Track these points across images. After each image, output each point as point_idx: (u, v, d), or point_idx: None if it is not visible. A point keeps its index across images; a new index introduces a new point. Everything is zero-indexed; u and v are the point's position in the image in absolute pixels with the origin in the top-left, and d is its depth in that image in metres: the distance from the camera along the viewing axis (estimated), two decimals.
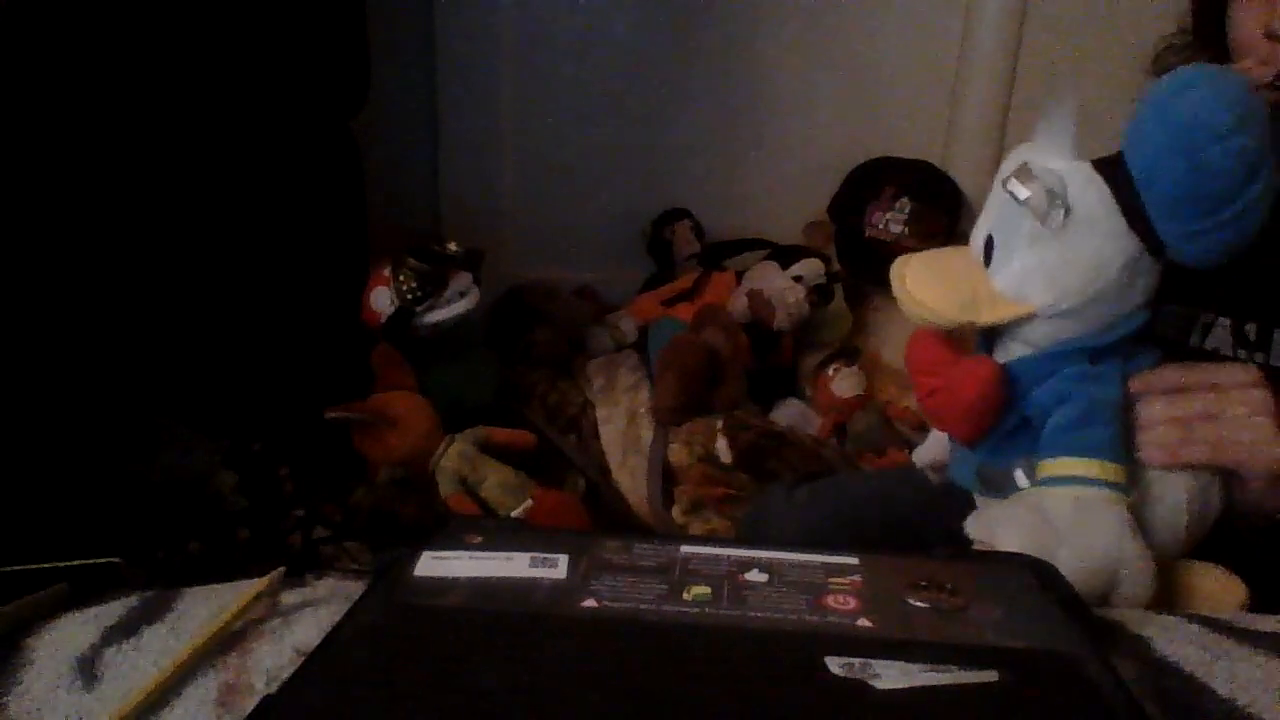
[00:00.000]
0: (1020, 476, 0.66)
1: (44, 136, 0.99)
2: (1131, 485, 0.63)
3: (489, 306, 1.71)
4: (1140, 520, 0.62)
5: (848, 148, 1.93)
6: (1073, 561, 0.59)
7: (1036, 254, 0.62)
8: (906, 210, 1.81)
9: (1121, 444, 0.63)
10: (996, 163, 0.66)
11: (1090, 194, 0.61)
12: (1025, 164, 0.62)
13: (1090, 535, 0.60)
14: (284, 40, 1.19)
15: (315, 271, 1.31)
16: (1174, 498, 0.64)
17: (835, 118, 1.95)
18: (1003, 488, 0.67)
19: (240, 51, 1.14)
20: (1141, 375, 0.65)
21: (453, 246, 1.48)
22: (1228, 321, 0.81)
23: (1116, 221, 0.61)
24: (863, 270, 1.83)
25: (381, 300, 1.43)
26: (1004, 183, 0.62)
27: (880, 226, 1.82)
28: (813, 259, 1.79)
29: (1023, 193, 0.60)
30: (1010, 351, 0.66)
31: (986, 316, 0.64)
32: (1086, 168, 0.62)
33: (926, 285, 0.65)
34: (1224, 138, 0.56)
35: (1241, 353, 0.80)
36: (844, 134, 1.95)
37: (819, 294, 1.75)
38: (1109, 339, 0.64)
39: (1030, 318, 0.63)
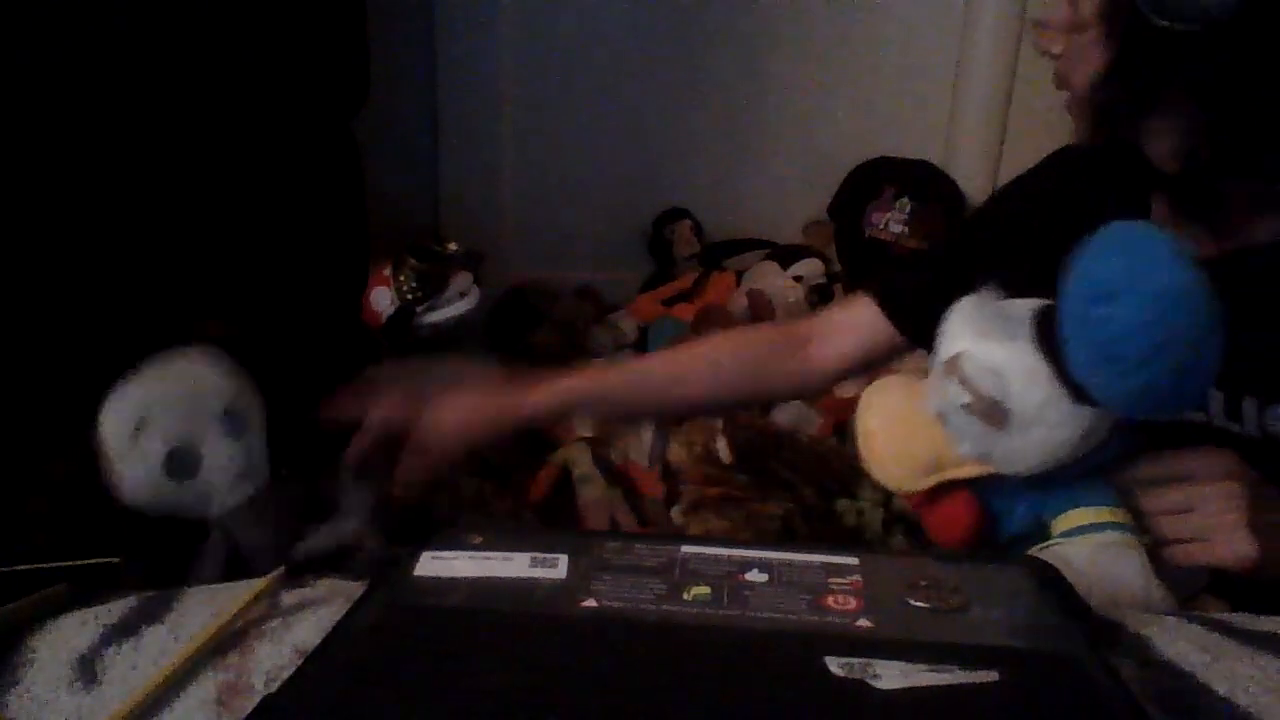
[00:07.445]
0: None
1: (43, 136, 0.99)
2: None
3: (489, 306, 1.71)
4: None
5: (848, 148, 1.93)
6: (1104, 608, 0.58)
7: (988, 444, 0.60)
8: (906, 210, 1.81)
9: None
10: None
11: (1033, 393, 0.57)
12: (960, 357, 0.58)
13: (1116, 580, 0.60)
14: (284, 40, 1.19)
15: (315, 272, 1.30)
16: (1193, 573, 0.64)
17: (835, 118, 1.95)
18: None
19: (240, 51, 1.14)
20: (1119, 473, 0.63)
21: (453, 246, 1.49)
22: None
23: (1064, 407, 0.57)
24: (863, 270, 1.83)
25: (381, 300, 1.43)
26: (943, 377, 0.59)
27: (880, 226, 1.82)
28: (813, 259, 1.80)
29: (962, 398, 0.58)
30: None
31: (954, 474, 0.64)
32: (1028, 354, 0.57)
33: (890, 455, 0.65)
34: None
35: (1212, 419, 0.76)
36: (844, 134, 1.95)
37: (819, 294, 1.75)
38: (1082, 469, 0.62)
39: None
